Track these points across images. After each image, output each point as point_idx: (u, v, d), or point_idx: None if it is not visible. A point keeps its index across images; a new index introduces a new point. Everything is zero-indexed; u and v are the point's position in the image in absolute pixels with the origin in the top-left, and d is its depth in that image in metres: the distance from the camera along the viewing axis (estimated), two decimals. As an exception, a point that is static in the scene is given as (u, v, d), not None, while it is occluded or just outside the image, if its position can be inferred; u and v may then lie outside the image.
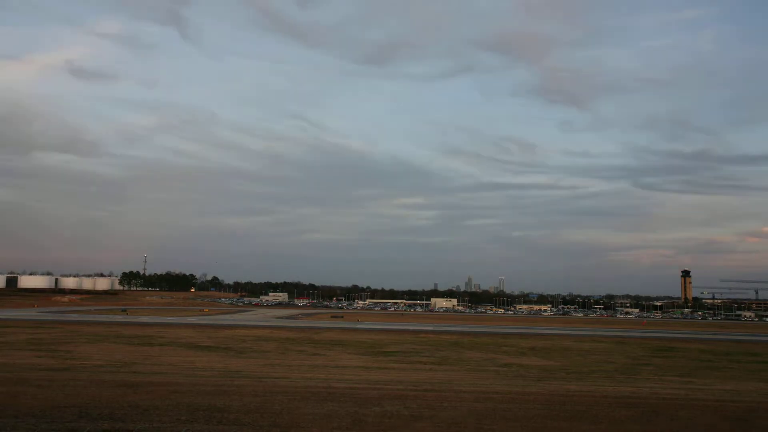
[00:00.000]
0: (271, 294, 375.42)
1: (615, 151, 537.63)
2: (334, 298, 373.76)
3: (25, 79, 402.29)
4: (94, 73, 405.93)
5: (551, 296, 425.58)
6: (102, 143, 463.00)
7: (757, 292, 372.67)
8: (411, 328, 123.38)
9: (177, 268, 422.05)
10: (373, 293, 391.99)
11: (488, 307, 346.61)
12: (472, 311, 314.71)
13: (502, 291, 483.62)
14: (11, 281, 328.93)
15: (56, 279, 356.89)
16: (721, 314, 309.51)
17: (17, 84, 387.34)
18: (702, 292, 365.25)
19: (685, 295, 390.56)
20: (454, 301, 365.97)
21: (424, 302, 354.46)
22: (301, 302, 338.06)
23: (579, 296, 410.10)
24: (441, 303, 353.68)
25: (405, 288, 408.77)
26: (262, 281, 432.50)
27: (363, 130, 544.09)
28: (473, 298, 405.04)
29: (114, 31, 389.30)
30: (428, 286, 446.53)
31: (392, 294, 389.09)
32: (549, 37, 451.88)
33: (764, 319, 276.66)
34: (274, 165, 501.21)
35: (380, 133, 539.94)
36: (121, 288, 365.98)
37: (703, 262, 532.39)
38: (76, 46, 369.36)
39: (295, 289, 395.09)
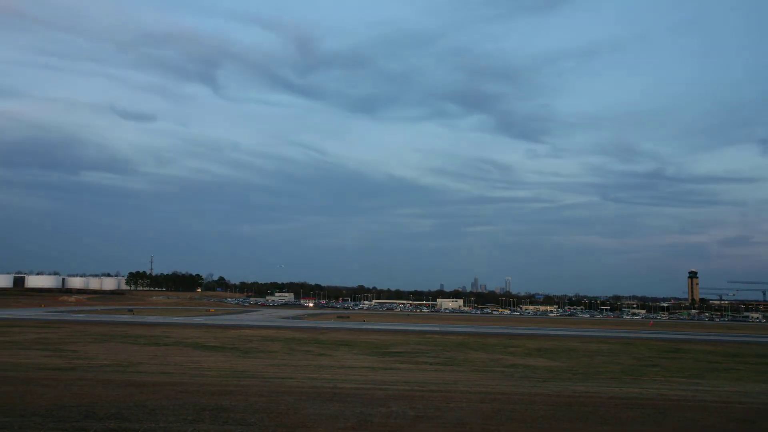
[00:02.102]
0: (277, 294, 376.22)
1: (578, 171, 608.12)
2: (340, 299, 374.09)
3: (80, 117, 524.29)
4: (136, 115, 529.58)
5: (558, 297, 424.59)
6: (137, 164, 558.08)
7: (764, 293, 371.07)
8: (417, 328, 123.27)
9: (183, 269, 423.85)
10: (379, 294, 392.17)
11: (494, 308, 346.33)
12: (479, 312, 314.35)
13: (509, 292, 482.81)
14: (18, 281, 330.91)
15: (63, 279, 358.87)
16: (728, 315, 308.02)
17: (73, 118, 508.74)
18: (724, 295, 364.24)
19: (692, 296, 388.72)
20: (461, 301, 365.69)
21: (430, 303, 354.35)
22: (307, 303, 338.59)
23: (585, 297, 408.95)
24: (447, 304, 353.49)
25: (411, 289, 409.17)
26: (269, 281, 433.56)
27: (357, 155, 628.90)
28: (479, 298, 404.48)
29: (157, 84, 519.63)
30: (434, 287, 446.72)
31: (398, 294, 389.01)
32: (498, 94, 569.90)
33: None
34: (286, 181, 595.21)
35: (372, 157, 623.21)
36: (128, 288, 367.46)
37: (709, 263, 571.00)
38: (124, 94, 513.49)
39: (301, 290, 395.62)
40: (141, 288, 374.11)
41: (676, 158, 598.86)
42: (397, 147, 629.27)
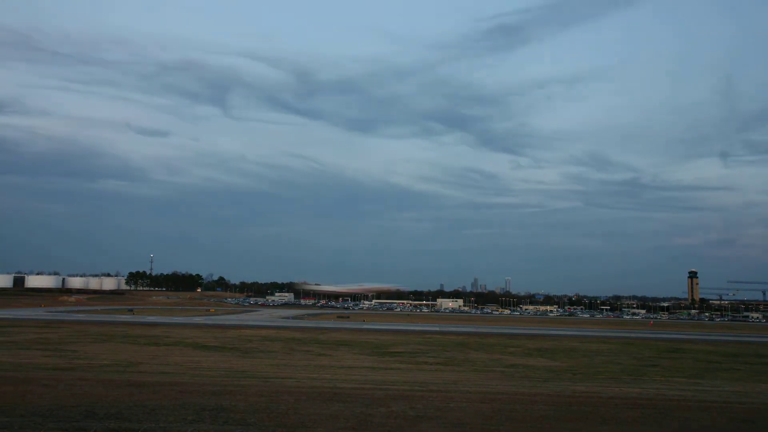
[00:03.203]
0: (277, 294, 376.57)
1: (559, 180, 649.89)
2: (340, 299, 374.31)
3: (99, 133, 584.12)
4: (151, 131, 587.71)
5: (558, 297, 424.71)
6: (150, 173, 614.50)
7: (764, 293, 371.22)
8: (417, 328, 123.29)
9: (183, 269, 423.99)
10: (379, 294, 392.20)
11: (494, 308, 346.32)
12: (478, 312, 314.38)
13: (509, 292, 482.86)
14: (18, 281, 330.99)
15: (63, 279, 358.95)
16: (728, 315, 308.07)
17: (92, 134, 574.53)
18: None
19: (692, 296, 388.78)
20: (460, 301, 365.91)
21: (430, 303, 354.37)
22: (307, 302, 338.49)
23: (585, 297, 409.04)
24: (447, 303, 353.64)
25: (411, 288, 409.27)
26: (268, 281, 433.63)
27: (354, 165, 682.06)
28: (479, 298, 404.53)
29: (171, 106, 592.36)
30: (434, 287, 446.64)
31: (398, 294, 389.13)
32: (477, 116, 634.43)
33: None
34: (288, 188, 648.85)
35: (368, 167, 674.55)
36: (128, 288, 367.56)
37: (708, 263, 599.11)
38: (140, 114, 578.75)
39: (301, 290, 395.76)
40: (141, 288, 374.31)
41: (649, 169, 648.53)
42: (391, 159, 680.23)
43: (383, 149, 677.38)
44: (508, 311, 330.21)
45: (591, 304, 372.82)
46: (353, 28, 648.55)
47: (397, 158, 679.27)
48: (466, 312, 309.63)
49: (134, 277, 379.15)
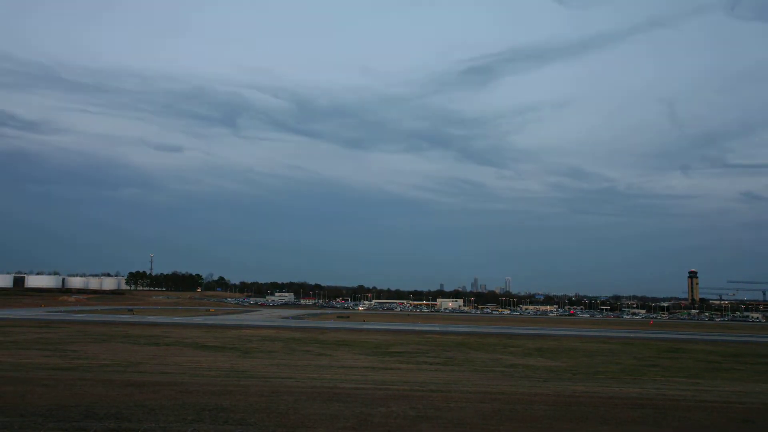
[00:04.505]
0: (277, 294, 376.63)
1: (540, 189, 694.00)
2: (340, 299, 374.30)
3: (117, 148, 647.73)
4: (166, 147, 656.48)
5: (558, 297, 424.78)
6: (164, 182, 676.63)
7: (764, 293, 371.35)
8: (417, 328, 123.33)
9: (183, 269, 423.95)
10: (379, 293, 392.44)
11: (494, 308, 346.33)
12: (478, 312, 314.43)
13: (508, 292, 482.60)
14: (18, 281, 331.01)
15: (63, 279, 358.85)
16: (728, 315, 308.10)
17: (111, 149, 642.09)
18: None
19: (692, 295, 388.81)
20: (460, 301, 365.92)
21: (430, 303, 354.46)
22: (307, 302, 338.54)
23: (585, 297, 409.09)
24: (447, 303, 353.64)
25: (411, 288, 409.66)
26: (268, 281, 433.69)
27: (351, 176, 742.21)
28: (479, 298, 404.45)
29: (186, 126, 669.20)
30: (434, 287, 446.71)
31: (398, 294, 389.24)
32: (457, 135, 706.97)
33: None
34: (290, 196, 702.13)
35: (364, 177, 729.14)
36: (128, 288, 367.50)
37: (708, 265, 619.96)
38: (157, 133, 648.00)
39: (300, 290, 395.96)
40: (141, 288, 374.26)
41: (623, 180, 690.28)
42: (385, 170, 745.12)
43: (377, 162, 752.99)
44: (508, 311, 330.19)
45: (591, 304, 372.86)
46: (343, 65, 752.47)
47: (391, 170, 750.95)
48: (466, 312, 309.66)
49: (134, 277, 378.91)
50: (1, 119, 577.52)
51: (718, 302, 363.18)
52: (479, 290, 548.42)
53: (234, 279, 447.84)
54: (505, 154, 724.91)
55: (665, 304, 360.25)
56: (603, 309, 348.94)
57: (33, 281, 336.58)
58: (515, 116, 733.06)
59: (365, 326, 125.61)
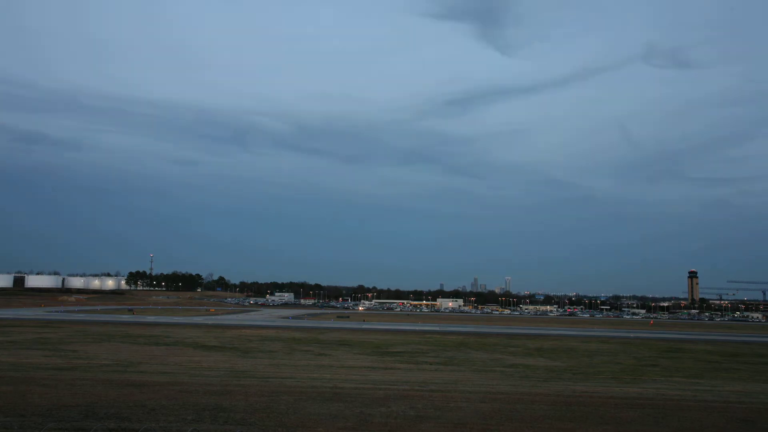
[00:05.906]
0: (277, 294, 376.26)
1: (520, 195, 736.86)
2: (340, 299, 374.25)
3: (135, 162, 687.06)
4: (182, 161, 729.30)
5: (558, 297, 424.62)
6: (176, 189, 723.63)
7: (764, 293, 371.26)
8: (417, 328, 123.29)
9: (183, 269, 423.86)
10: (379, 293, 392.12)
11: (494, 308, 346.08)
12: (478, 312, 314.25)
13: (508, 291, 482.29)
14: (18, 281, 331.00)
15: (63, 279, 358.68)
16: (728, 315, 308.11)
17: (129, 162, 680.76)
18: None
19: (692, 295, 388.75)
20: (460, 301, 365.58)
21: (430, 302, 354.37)
22: (307, 302, 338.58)
23: (585, 297, 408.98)
24: (447, 303, 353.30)
25: (411, 288, 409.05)
26: (268, 281, 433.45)
27: (348, 187, 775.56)
28: (479, 298, 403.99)
29: (200, 145, 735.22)
30: (434, 287, 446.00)
31: (398, 294, 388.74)
32: (441, 152, 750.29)
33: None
34: (291, 202, 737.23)
35: (360, 187, 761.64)
36: (128, 288, 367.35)
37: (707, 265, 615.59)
38: (174, 151, 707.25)
39: (300, 289, 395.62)
40: (141, 288, 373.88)
41: (598, 190, 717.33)
42: (380, 181, 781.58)
43: (372, 175, 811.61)
44: (508, 311, 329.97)
45: (591, 304, 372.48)
46: (334, 95, 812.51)
47: (385, 181, 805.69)
48: (466, 312, 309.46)
49: (134, 277, 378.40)
50: (35, 138, 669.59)
51: (718, 302, 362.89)
52: (479, 290, 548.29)
53: (234, 279, 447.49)
54: (482, 167, 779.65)
55: (665, 304, 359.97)
56: (603, 309, 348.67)
57: (33, 281, 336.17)
58: (492, 137, 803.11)
59: (365, 326, 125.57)
